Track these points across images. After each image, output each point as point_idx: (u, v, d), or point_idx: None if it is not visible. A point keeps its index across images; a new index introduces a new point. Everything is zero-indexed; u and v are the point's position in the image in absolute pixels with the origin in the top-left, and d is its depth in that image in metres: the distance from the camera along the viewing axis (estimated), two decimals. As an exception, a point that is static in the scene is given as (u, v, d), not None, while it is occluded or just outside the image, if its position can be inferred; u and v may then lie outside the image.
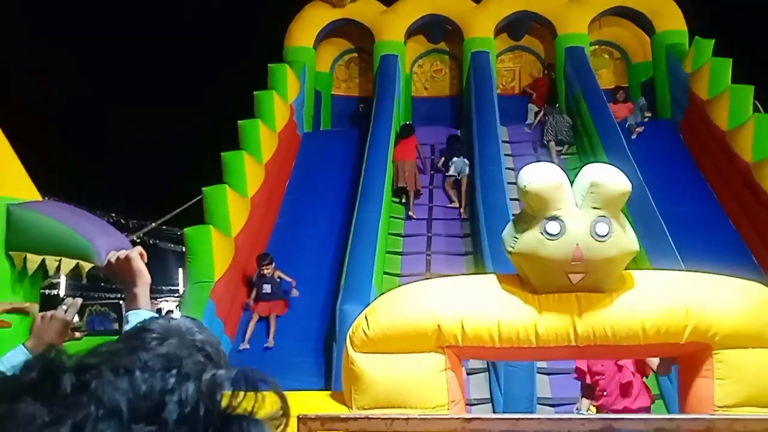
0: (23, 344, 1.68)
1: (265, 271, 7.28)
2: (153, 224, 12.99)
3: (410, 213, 8.66)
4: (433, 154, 9.73)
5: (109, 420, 0.37)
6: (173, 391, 0.39)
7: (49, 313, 1.73)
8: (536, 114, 10.00)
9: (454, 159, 8.87)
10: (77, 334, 1.74)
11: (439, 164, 9.17)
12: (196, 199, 8.27)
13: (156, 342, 1.23)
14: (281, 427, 0.42)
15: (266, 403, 0.42)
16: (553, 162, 8.81)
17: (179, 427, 0.38)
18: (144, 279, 1.70)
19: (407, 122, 9.75)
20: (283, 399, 0.43)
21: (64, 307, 1.72)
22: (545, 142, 9.35)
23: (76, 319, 1.73)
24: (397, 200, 8.90)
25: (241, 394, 0.41)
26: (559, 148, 9.27)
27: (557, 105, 9.81)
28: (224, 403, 0.40)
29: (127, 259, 1.68)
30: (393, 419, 0.94)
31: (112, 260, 1.71)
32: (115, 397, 0.38)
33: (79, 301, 1.76)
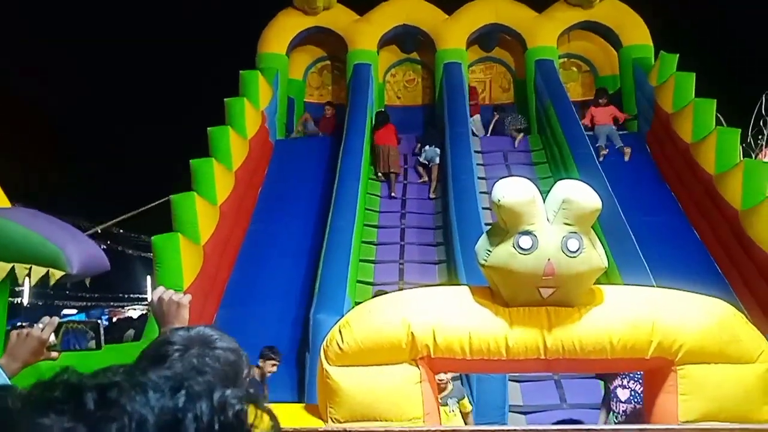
0: None
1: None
2: (108, 223, 12.56)
3: (392, 194, 9.15)
4: (406, 163, 9.82)
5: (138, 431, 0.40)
6: (186, 409, 0.42)
7: (24, 331, 1.70)
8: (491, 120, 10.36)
9: (426, 147, 9.35)
10: (53, 354, 1.71)
11: (415, 150, 9.79)
12: (158, 202, 8.16)
13: (178, 354, 1.22)
14: None
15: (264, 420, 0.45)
16: (515, 144, 9.77)
17: None
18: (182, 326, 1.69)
19: (381, 109, 10.23)
20: (274, 417, 0.47)
21: (41, 325, 1.70)
22: (510, 133, 10.08)
23: (52, 338, 1.70)
24: (371, 209, 8.94)
25: (249, 410, 0.45)
26: (520, 135, 10.07)
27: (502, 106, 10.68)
28: (236, 420, 0.43)
29: (179, 305, 1.68)
30: (370, 434, 0.96)
31: (164, 298, 1.69)
32: (142, 410, 0.41)
33: (56, 319, 1.74)
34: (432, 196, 9.15)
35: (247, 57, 10.51)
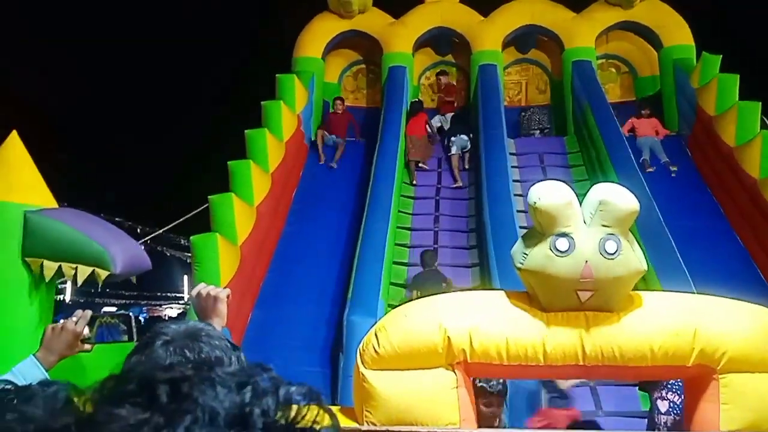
0: (33, 355, 1.72)
1: None
2: (159, 231, 13.04)
3: (414, 182, 9.55)
4: (440, 167, 9.81)
5: (210, 425, 0.41)
6: (252, 404, 0.43)
7: (59, 325, 1.75)
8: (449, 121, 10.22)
9: (453, 138, 9.57)
10: (87, 346, 1.77)
11: (444, 145, 9.93)
12: (201, 208, 8.34)
13: (161, 343, 1.25)
14: None
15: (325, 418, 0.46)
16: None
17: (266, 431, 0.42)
18: (221, 321, 1.74)
19: (416, 99, 10.45)
20: (334, 416, 0.47)
21: (75, 318, 1.75)
22: (529, 132, 10.15)
23: (86, 330, 1.76)
24: (404, 211, 8.95)
25: (310, 408, 0.46)
26: (541, 135, 10.16)
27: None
28: (298, 415, 0.45)
29: (216, 299, 1.73)
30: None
31: (202, 293, 1.75)
32: (213, 404, 0.42)
33: (89, 313, 1.79)
34: (458, 185, 9.38)
35: (284, 61, 10.65)
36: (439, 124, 10.28)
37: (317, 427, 0.45)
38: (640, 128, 9.18)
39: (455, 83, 11.00)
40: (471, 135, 9.49)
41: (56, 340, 1.73)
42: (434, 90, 11.26)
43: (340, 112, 10.34)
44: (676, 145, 9.33)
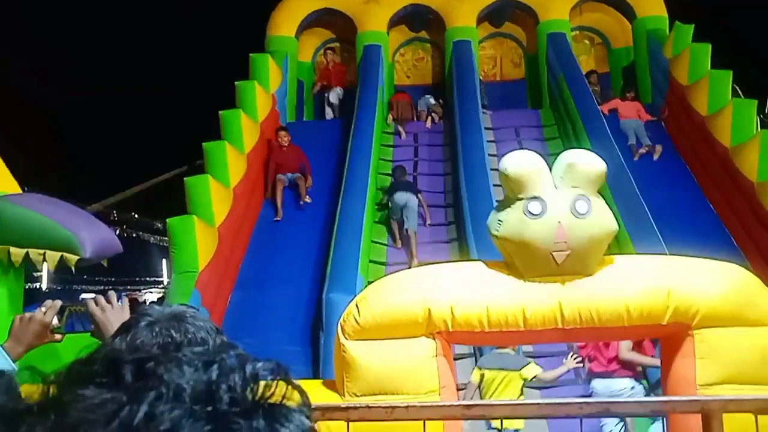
0: (0, 345, 1.68)
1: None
2: (112, 199, 12.56)
3: (403, 136, 9.72)
4: (416, 142, 9.79)
5: (175, 401, 0.41)
6: (220, 381, 0.43)
7: (27, 315, 1.73)
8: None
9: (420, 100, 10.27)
10: (57, 336, 1.73)
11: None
12: (163, 177, 8.22)
13: (145, 324, 1.23)
14: (308, 417, 0.46)
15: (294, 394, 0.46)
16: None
17: (231, 408, 0.42)
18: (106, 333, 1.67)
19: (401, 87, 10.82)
20: (304, 393, 0.47)
21: (44, 309, 1.72)
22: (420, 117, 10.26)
23: (55, 320, 1.72)
24: (383, 188, 8.93)
25: (277, 384, 0.46)
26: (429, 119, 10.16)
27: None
28: (267, 391, 0.45)
29: (122, 308, 1.67)
30: (393, 407, 0.96)
31: (104, 304, 1.68)
32: (179, 381, 0.42)
33: (59, 303, 1.76)
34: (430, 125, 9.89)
35: (256, 40, 10.46)
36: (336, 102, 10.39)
37: (287, 402, 0.45)
38: (623, 110, 9.11)
39: (336, 63, 10.76)
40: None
41: (24, 331, 1.70)
42: (403, 64, 11.19)
43: (285, 145, 8.77)
44: (657, 128, 9.35)
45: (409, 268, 7.68)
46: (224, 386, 0.43)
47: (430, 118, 10.00)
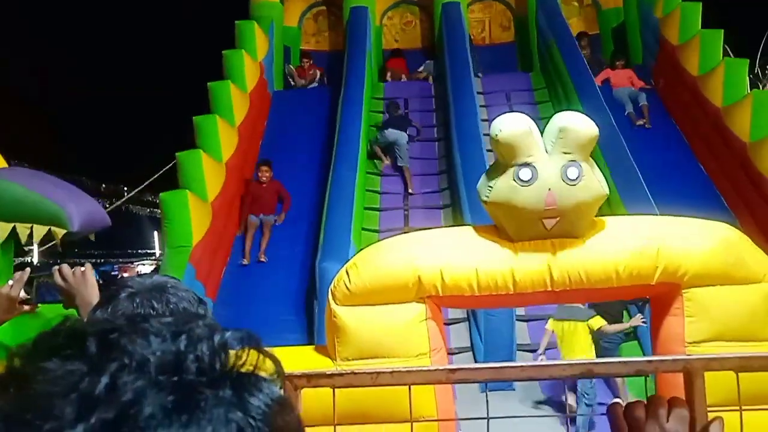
0: None
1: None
2: (128, 194, 12.70)
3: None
4: (407, 107, 9.68)
5: (139, 371, 0.41)
6: (187, 351, 0.43)
7: None
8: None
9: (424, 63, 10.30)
10: (27, 307, 1.72)
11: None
12: (170, 165, 8.14)
13: (126, 295, 1.23)
14: (280, 387, 0.46)
15: (267, 364, 0.46)
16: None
17: (199, 377, 0.42)
18: (94, 291, 1.65)
19: (397, 49, 10.75)
20: (277, 362, 0.47)
21: (10, 282, 1.71)
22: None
23: (23, 293, 1.71)
24: (373, 157, 8.87)
25: (248, 353, 0.45)
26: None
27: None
28: (237, 361, 0.44)
29: (83, 273, 1.64)
30: (378, 373, 0.96)
31: (68, 273, 1.65)
32: (142, 351, 0.42)
33: (26, 274, 1.74)
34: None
35: (239, 6, 10.22)
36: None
37: (258, 372, 0.45)
38: (615, 79, 8.98)
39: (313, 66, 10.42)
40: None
41: None
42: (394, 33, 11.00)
43: (265, 181, 7.97)
44: (641, 75, 9.30)
45: (406, 200, 8.29)
46: (191, 356, 0.42)
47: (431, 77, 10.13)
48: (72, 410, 0.38)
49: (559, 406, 5.48)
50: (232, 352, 0.44)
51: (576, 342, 5.21)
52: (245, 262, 7.50)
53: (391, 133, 8.45)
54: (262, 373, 0.45)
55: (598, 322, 5.28)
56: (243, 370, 0.44)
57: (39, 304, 1.75)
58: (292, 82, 10.19)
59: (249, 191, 7.96)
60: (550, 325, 5.44)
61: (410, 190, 8.34)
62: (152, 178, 10.41)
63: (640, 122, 8.59)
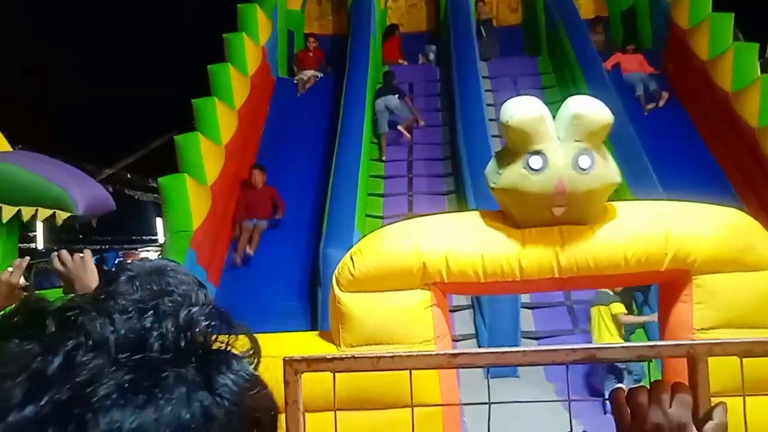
0: None
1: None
2: (110, 170, 12.57)
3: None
4: (412, 92, 9.59)
5: (97, 350, 0.39)
6: (152, 328, 0.41)
7: None
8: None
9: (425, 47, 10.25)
10: (24, 294, 1.73)
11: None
12: (160, 141, 8.10)
13: (125, 278, 1.22)
14: (254, 364, 0.45)
15: (238, 343, 0.45)
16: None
17: (162, 355, 0.40)
18: (94, 276, 1.66)
19: (392, 23, 10.48)
20: (254, 339, 0.45)
21: (10, 269, 1.73)
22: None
23: (22, 280, 1.72)
24: (376, 141, 8.81)
25: (217, 328, 0.44)
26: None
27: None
28: (202, 337, 0.43)
29: (82, 258, 1.65)
30: (379, 357, 0.93)
31: (68, 258, 1.66)
32: (102, 330, 0.40)
33: (26, 261, 1.76)
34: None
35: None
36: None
37: (230, 348, 0.43)
38: (625, 64, 8.83)
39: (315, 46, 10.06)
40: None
41: None
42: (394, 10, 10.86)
43: (259, 186, 7.74)
44: (650, 59, 9.17)
45: (410, 186, 8.29)
46: (156, 333, 0.41)
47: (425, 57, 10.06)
48: (21, 391, 0.37)
49: (563, 392, 5.48)
50: (202, 328, 0.43)
51: (602, 327, 5.43)
52: (237, 261, 7.43)
53: (380, 102, 8.53)
54: (236, 350, 0.43)
55: (616, 307, 5.42)
56: (213, 347, 0.42)
57: (36, 291, 1.75)
58: (299, 91, 9.61)
59: (243, 195, 7.75)
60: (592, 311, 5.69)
61: (407, 133, 8.58)
62: (134, 157, 10.30)
63: (650, 106, 8.49)
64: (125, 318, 0.41)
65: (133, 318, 0.41)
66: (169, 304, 0.43)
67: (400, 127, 8.52)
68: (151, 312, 0.42)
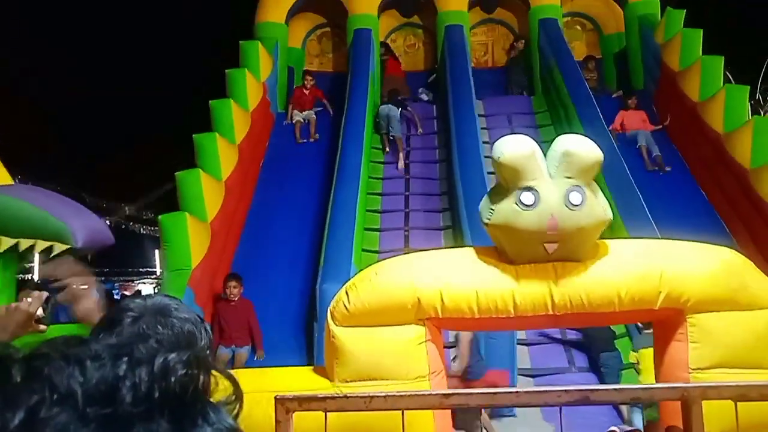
0: None
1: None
2: (127, 211, 12.72)
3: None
4: (409, 130, 9.73)
5: (63, 404, 0.37)
6: (125, 377, 0.39)
7: (13, 305, 1.73)
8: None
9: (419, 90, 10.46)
10: (41, 327, 1.74)
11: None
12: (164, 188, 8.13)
13: (130, 321, 1.23)
14: (235, 410, 0.42)
15: (220, 387, 0.42)
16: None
17: (135, 407, 0.38)
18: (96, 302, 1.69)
19: (383, 42, 10.66)
20: (235, 383, 0.43)
21: (29, 299, 1.73)
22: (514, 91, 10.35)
23: (40, 311, 1.73)
24: (374, 176, 8.89)
25: (196, 376, 0.41)
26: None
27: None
28: (178, 386, 0.40)
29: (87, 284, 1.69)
30: (371, 397, 0.93)
31: (72, 284, 1.70)
32: (69, 382, 0.38)
33: (45, 294, 1.77)
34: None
35: (245, 28, 10.33)
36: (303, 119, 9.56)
37: (209, 396, 0.41)
38: (628, 121, 8.76)
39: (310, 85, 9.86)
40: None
41: (9, 320, 1.72)
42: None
43: (234, 298, 6.72)
44: (642, 100, 9.32)
45: (398, 167, 8.91)
46: (128, 383, 0.39)
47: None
48: None
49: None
50: (180, 376, 0.40)
51: (648, 370, 5.18)
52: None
53: (383, 110, 9.21)
54: (215, 397, 0.41)
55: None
56: (191, 396, 0.39)
57: (51, 324, 1.77)
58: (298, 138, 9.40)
59: (216, 313, 6.70)
60: (631, 357, 5.25)
61: (399, 165, 8.98)
62: (148, 200, 10.38)
63: (653, 169, 8.33)
64: (97, 365, 0.39)
65: (106, 365, 0.39)
66: (144, 351, 0.40)
67: (399, 148, 9.12)
68: (125, 359, 0.39)
